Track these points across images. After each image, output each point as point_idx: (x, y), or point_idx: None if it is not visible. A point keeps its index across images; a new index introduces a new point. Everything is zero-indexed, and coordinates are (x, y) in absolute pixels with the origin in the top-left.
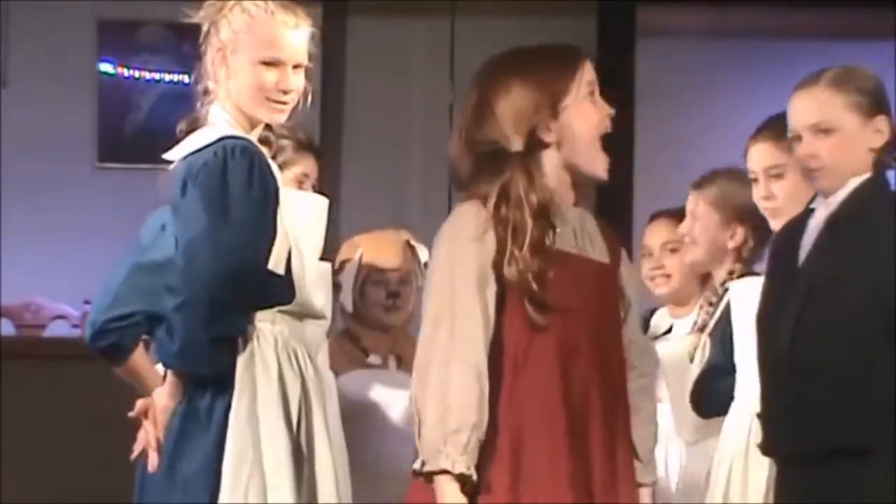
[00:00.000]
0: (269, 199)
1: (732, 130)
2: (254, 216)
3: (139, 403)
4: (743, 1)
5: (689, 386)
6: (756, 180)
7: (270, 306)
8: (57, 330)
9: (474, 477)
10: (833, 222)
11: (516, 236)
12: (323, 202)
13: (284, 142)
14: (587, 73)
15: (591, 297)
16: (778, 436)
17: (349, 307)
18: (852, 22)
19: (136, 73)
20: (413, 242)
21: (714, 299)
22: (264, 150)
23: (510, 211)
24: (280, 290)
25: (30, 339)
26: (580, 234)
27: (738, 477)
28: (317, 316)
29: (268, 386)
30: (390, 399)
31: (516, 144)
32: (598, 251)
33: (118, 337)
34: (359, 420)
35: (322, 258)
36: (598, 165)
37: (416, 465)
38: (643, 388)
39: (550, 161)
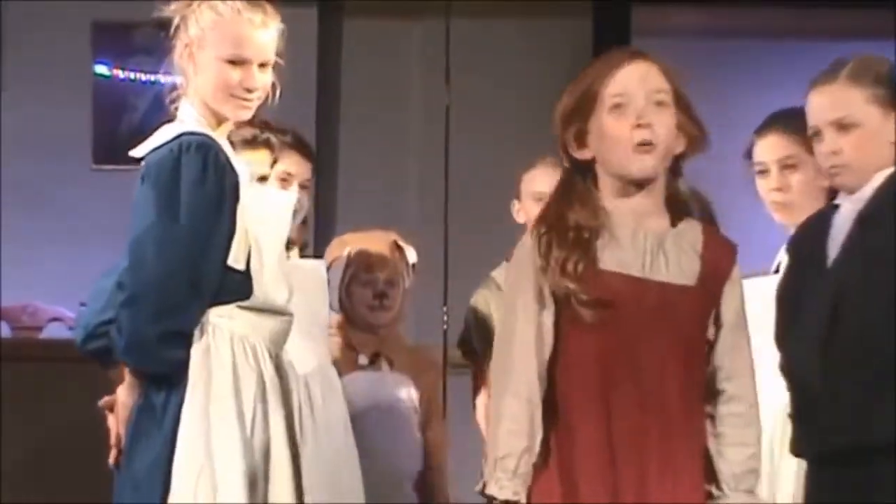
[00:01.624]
0: (223, 195)
1: (729, 130)
2: (205, 212)
3: (105, 399)
4: (739, 1)
5: None
6: (766, 171)
7: (228, 301)
8: (54, 332)
9: (522, 501)
10: (864, 218)
11: (547, 257)
12: (288, 198)
13: (271, 138)
14: (614, 86)
15: (645, 318)
16: (809, 436)
17: (335, 306)
18: (852, 22)
19: (132, 75)
20: (401, 243)
21: None
22: (266, 152)
23: (544, 232)
24: (237, 286)
25: (27, 341)
26: (653, 256)
27: (765, 478)
28: (279, 312)
29: (221, 382)
30: (385, 402)
31: (565, 161)
32: (675, 273)
33: (109, 340)
34: (355, 423)
35: (317, 256)
36: (628, 167)
37: (478, 487)
38: (732, 413)
39: (601, 178)
